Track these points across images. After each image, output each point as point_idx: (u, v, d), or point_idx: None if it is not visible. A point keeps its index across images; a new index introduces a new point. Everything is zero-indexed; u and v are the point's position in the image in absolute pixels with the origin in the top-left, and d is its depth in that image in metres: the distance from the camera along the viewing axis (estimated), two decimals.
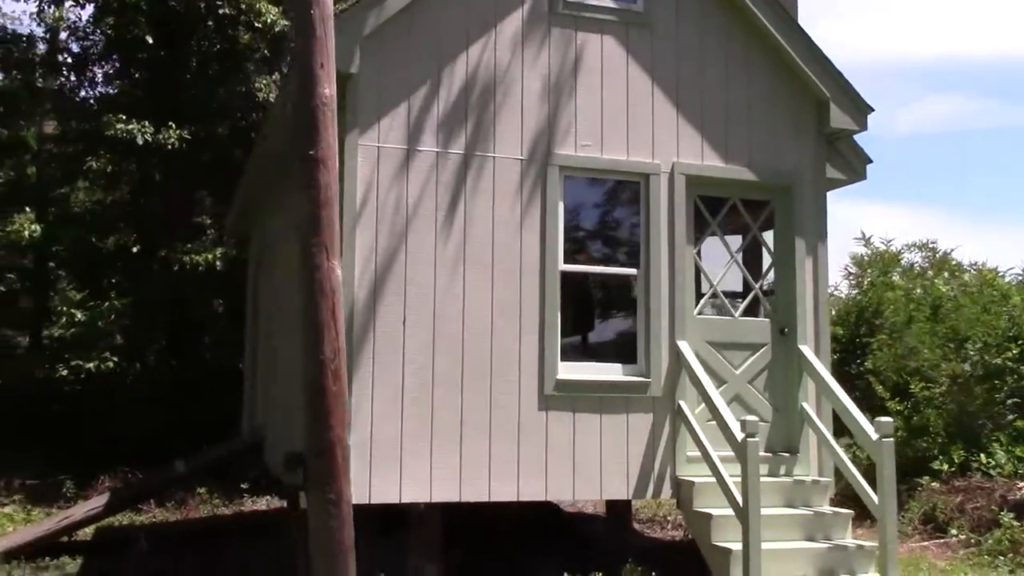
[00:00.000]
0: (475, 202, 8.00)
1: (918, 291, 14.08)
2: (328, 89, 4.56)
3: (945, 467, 11.16)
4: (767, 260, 9.00)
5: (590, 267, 8.45)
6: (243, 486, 15.08)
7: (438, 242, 7.87)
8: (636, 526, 11.35)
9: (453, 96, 8.01)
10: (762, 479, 7.57)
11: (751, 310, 8.85)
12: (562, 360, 8.10)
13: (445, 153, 7.97)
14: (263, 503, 15.16)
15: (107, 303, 15.15)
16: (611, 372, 8.26)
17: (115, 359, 15.10)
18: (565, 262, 8.22)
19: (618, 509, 10.22)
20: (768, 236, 9.02)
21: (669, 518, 11.62)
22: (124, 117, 15.01)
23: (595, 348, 8.44)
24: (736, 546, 7.36)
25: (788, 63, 8.85)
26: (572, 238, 8.36)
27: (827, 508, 8.19)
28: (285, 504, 14.58)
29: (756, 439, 7.25)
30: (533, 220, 8.13)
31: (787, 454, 8.57)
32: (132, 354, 16.15)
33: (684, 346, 8.30)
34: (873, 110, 8.84)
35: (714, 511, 7.73)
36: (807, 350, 8.61)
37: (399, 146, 7.86)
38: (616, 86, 8.48)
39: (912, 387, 12.00)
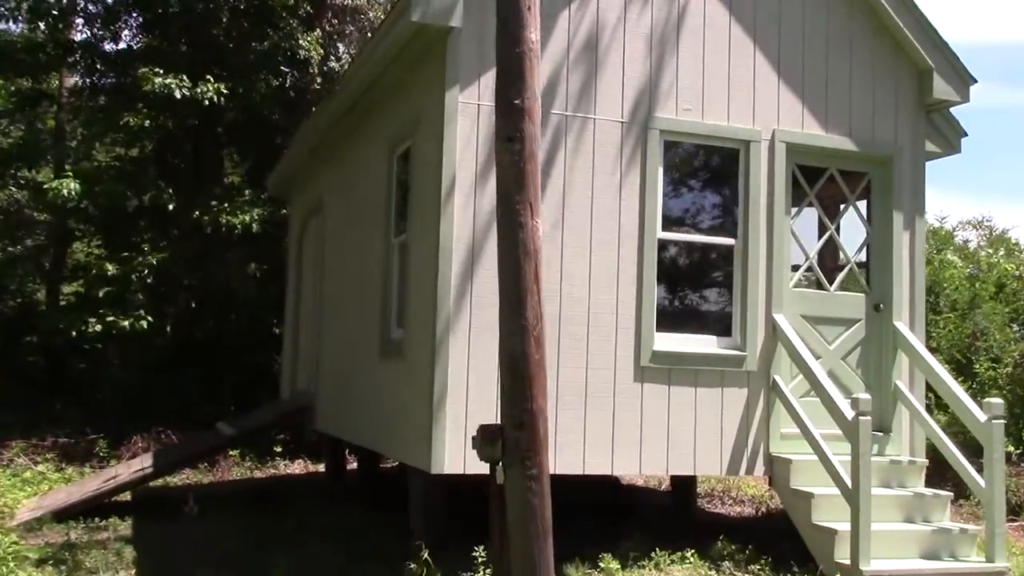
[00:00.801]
0: (574, 165, 7.71)
1: (970, 269, 13.87)
2: (534, 34, 4.26)
3: (1011, 448, 10.98)
4: (861, 233, 8.73)
5: (688, 235, 8.18)
6: (276, 449, 14.88)
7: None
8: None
9: (554, 54, 7.69)
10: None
11: (844, 284, 8.60)
12: (658, 331, 7.86)
13: (545, 114, 7.65)
14: (296, 466, 14.97)
15: (141, 258, 14.78)
16: (707, 344, 8.03)
17: (149, 318, 14.76)
18: (663, 230, 7.95)
19: (682, 483, 10.04)
20: (861, 208, 8.76)
21: (731, 493, 11.44)
22: (161, 71, 14.61)
23: (690, 319, 8.18)
24: (840, 526, 7.17)
25: (891, 30, 8.56)
26: (668, 205, 8.09)
27: (925, 489, 7.99)
28: (323, 468, 14.46)
29: (868, 418, 7.03)
30: (632, 186, 7.85)
31: (879, 433, 8.35)
32: (163, 313, 15.82)
33: (781, 319, 8.07)
34: (976, 81, 8.58)
35: (815, 490, 7.52)
36: (902, 327, 8.38)
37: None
38: (718, 48, 8.18)
39: (977, 367, 11.81)
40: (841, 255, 8.72)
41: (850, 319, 8.45)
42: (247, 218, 14.94)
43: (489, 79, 7.49)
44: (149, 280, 14.98)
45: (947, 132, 8.99)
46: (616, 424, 7.65)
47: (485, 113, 7.50)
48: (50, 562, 7.29)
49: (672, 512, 9.87)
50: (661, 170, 7.95)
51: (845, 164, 8.55)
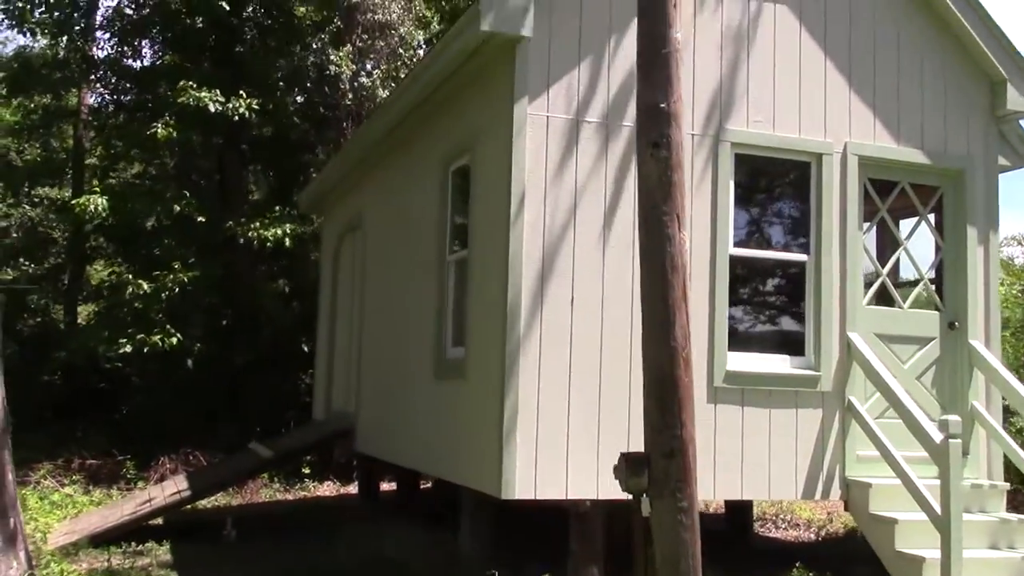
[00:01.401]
0: None
1: (1017, 286, 13.58)
2: (679, 33, 4.01)
3: None
4: (926, 249, 8.49)
5: (759, 251, 7.92)
6: (304, 471, 14.59)
7: (606, 221, 7.33)
8: None
9: (624, 64, 7.45)
10: (934, 482, 7.10)
11: (917, 301, 8.35)
12: (730, 350, 7.59)
13: (615, 126, 7.42)
14: (326, 488, 14.68)
15: (172, 276, 14.53)
16: (780, 364, 7.76)
17: (179, 335, 14.50)
18: (734, 246, 7.70)
19: (737, 507, 9.77)
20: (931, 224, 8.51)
21: (783, 516, 11.14)
22: (194, 84, 14.41)
23: (761, 338, 7.92)
24: (928, 554, 6.88)
25: (963, 39, 8.33)
26: (738, 220, 7.84)
27: (1009, 514, 7.71)
28: (352, 489, 14.17)
29: (959, 441, 6.76)
30: (703, 200, 7.60)
31: None
32: (190, 332, 15.56)
33: (856, 338, 7.80)
34: None
35: (898, 515, 7.24)
36: (978, 344, 8.12)
37: (567, 116, 7.31)
38: (789, 58, 7.95)
39: None
40: (913, 271, 8.46)
41: (924, 337, 8.18)
42: (279, 232, 14.71)
43: (558, 90, 7.28)
44: (179, 299, 14.73)
45: (1016, 144, 8.77)
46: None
47: (555, 126, 7.26)
48: None
49: (731, 537, 9.59)
50: (732, 184, 7.70)
51: (916, 177, 8.30)
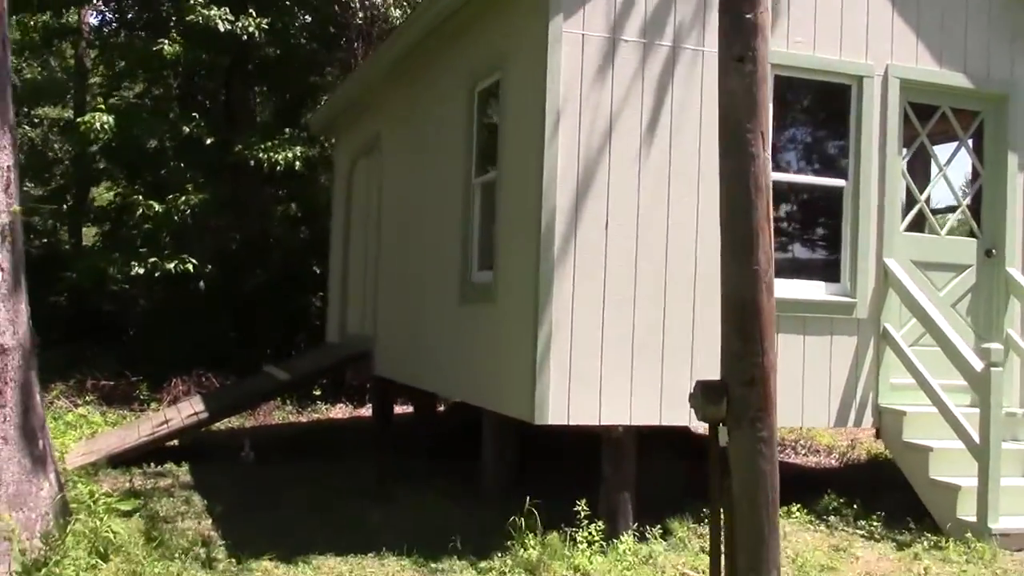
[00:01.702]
0: (683, 102, 7.25)
1: None
2: None
3: None
4: (963, 176, 8.32)
5: (796, 176, 7.75)
6: (316, 393, 14.57)
7: (643, 146, 7.14)
8: None
9: None
10: (969, 411, 7.06)
11: (953, 228, 8.21)
12: None
13: (652, 45, 7.20)
14: (338, 411, 14.69)
15: (184, 197, 14.32)
16: (815, 291, 7.64)
17: (194, 260, 14.33)
18: (773, 170, 7.51)
19: None
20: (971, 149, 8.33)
21: (802, 443, 11.14)
22: (203, 1, 14.03)
23: (797, 264, 7.78)
24: (964, 482, 6.86)
25: None
26: (776, 144, 7.64)
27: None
28: (366, 412, 14.17)
29: (1001, 369, 6.68)
30: None
31: None
32: (200, 254, 15.38)
33: (893, 264, 7.67)
34: None
35: (933, 443, 7.19)
36: (1016, 272, 8.00)
37: (603, 34, 7.08)
38: None
39: None
40: (951, 198, 8.30)
41: (961, 264, 8.05)
42: (290, 154, 14.46)
43: (594, 6, 7.03)
44: (190, 220, 14.54)
45: None
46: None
47: (591, 44, 7.03)
48: (136, 514, 6.96)
49: None
50: (771, 107, 7.48)
51: (959, 102, 8.10)
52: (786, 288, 7.52)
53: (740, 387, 3.67)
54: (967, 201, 8.20)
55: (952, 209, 8.26)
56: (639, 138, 7.12)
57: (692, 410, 3.94)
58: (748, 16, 3.62)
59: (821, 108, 7.89)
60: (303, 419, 14.00)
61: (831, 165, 7.85)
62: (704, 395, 3.74)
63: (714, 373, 7.19)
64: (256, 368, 13.53)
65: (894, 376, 7.68)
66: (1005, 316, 8.04)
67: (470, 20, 8.42)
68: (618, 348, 7.01)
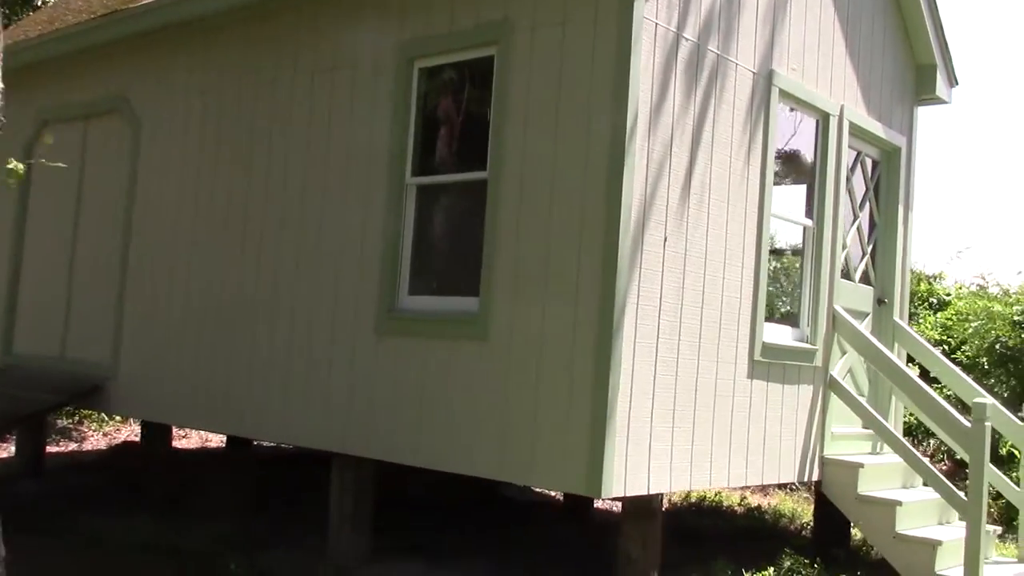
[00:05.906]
0: (719, 116, 6.34)
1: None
2: None
3: None
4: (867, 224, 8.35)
5: (785, 213, 7.19)
6: None
7: (694, 156, 6.11)
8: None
9: None
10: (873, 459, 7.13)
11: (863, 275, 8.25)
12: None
13: (704, 49, 6.19)
14: None
15: None
16: (786, 336, 7.16)
17: None
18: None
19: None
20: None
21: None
22: None
23: (772, 308, 7.22)
24: (938, 535, 6.84)
25: (909, 16, 8.32)
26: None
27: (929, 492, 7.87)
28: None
29: (988, 424, 6.75)
30: (756, 151, 6.68)
31: None
32: None
33: (840, 310, 7.48)
34: (958, 83, 8.69)
35: (900, 497, 7.07)
36: (902, 322, 8.27)
37: (669, 28, 5.92)
38: (817, 11, 7.31)
39: None
40: (861, 245, 8.27)
41: (863, 312, 8.10)
42: None
43: None
44: None
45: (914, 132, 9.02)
46: (733, 428, 6.51)
47: (662, 37, 5.82)
48: None
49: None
50: (775, 136, 6.88)
51: (870, 151, 8.18)
52: (775, 333, 7.00)
53: None
54: (870, 248, 8.29)
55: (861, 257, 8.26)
56: (690, 148, 6.07)
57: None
58: None
59: (796, 142, 7.44)
60: None
61: (804, 203, 7.43)
62: None
63: (725, 427, 6.41)
64: None
65: (835, 425, 7.49)
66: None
67: None
68: (665, 404, 5.92)
